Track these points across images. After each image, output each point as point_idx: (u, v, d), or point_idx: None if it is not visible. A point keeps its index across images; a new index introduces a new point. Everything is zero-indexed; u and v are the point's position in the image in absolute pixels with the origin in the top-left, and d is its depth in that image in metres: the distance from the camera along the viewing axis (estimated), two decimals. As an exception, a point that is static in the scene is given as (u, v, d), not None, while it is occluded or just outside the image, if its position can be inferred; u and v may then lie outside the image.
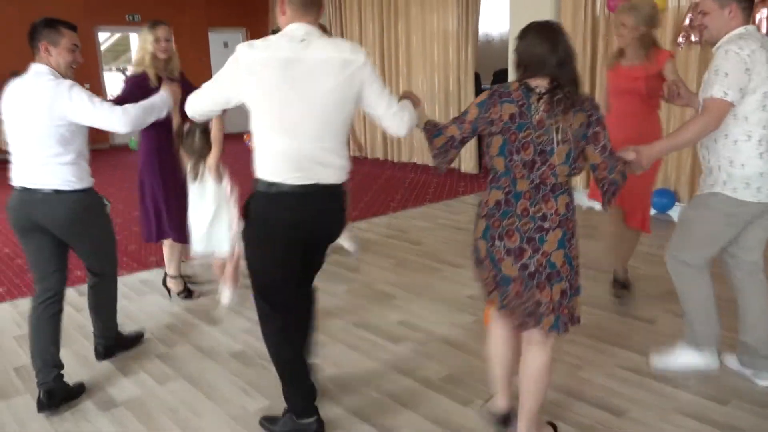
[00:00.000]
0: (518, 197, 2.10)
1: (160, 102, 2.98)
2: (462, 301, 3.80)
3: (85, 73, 3.42)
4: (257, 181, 2.23)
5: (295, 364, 2.43)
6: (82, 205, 2.81)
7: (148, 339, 3.41)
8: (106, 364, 3.13)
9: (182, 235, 3.64)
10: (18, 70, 2.91)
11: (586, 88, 6.23)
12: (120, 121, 2.76)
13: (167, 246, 3.87)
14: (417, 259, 4.62)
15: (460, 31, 7.64)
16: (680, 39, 5.45)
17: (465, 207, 6.26)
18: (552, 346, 2.21)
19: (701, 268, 2.73)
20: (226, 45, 13.25)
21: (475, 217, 2.24)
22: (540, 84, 2.06)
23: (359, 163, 8.53)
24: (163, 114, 3.02)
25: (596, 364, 2.97)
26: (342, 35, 9.30)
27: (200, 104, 2.35)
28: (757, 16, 4.98)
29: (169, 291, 4.00)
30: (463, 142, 2.25)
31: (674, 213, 5.65)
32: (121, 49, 15.02)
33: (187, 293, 3.99)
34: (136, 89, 3.37)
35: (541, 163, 2.06)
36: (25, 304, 3.96)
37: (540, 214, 2.08)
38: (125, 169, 8.93)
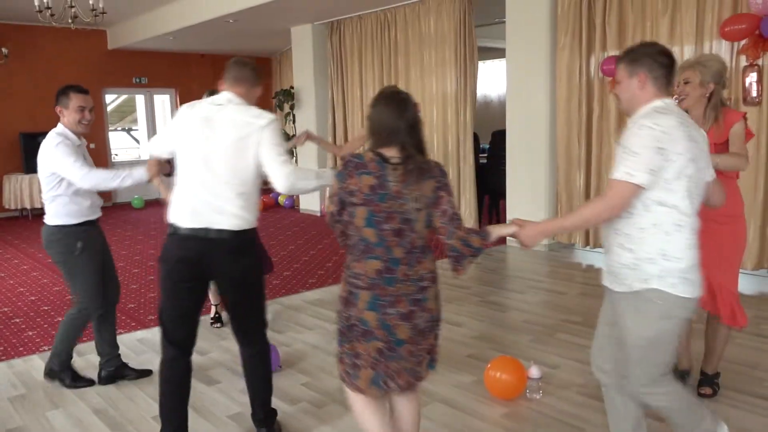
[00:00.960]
0: (397, 263, 2.17)
1: (130, 176, 3.26)
2: (462, 360, 3.77)
3: (90, 132, 3.55)
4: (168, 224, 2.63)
5: (173, 401, 2.68)
6: (53, 238, 3.35)
7: (143, 399, 3.37)
8: (101, 426, 3.08)
9: None
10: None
11: (581, 151, 6.35)
12: (80, 178, 3.22)
13: None
14: (417, 318, 4.60)
15: (459, 93, 7.84)
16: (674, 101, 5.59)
17: (465, 265, 6.25)
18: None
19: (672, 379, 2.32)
20: (230, 106, 13.54)
21: (346, 292, 2.24)
22: (393, 154, 2.16)
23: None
24: (126, 184, 3.27)
25: (597, 425, 2.92)
26: (343, 97, 9.53)
27: (153, 146, 2.89)
28: (747, 80, 5.12)
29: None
30: (342, 215, 2.25)
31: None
32: (126, 109, 15.36)
33: (216, 320, 4.51)
34: None
35: (408, 230, 2.16)
36: (21, 364, 3.93)
37: (418, 276, 2.20)
38: (126, 227, 8.98)
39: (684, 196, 2.09)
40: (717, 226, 2.87)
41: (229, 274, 2.64)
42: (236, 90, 2.68)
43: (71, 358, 3.55)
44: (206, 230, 2.53)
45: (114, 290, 3.58)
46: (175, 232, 2.58)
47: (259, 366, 2.86)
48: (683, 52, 5.53)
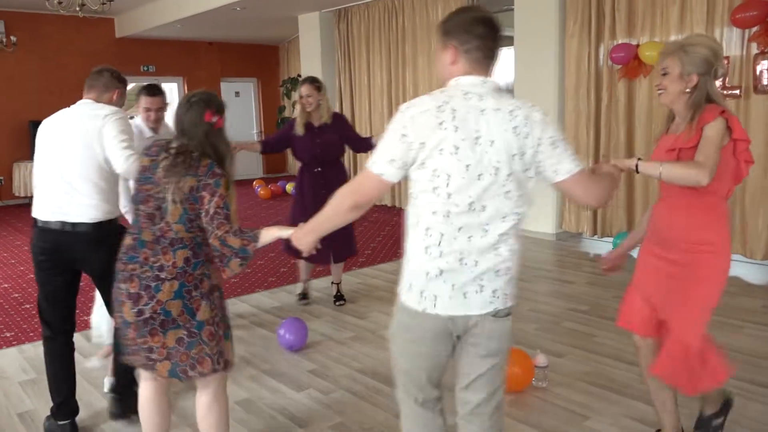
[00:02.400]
0: (143, 245, 2.23)
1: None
2: (468, 348, 3.77)
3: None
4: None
5: (55, 374, 2.91)
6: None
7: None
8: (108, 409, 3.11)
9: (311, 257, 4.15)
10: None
11: (589, 139, 6.31)
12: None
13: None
14: (423, 306, 4.61)
15: (466, 82, 7.79)
16: (683, 89, 5.54)
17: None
18: (214, 389, 2.35)
19: (421, 407, 2.01)
20: (237, 94, 13.56)
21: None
22: (176, 145, 2.25)
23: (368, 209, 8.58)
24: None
25: (603, 413, 2.93)
26: (350, 85, 9.51)
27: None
28: (758, 68, 5.07)
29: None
30: None
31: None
32: (134, 97, 15.41)
33: (303, 297, 4.78)
34: (284, 129, 4.56)
35: (159, 218, 2.21)
36: (31, 349, 3.97)
37: (158, 264, 2.20)
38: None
39: (424, 189, 1.76)
40: (681, 256, 2.28)
41: (90, 264, 2.79)
42: (89, 96, 2.91)
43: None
44: (62, 223, 2.71)
45: None
46: (35, 225, 2.80)
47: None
48: (694, 40, 5.47)
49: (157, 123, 3.71)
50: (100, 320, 3.47)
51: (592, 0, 6.12)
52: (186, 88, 12.62)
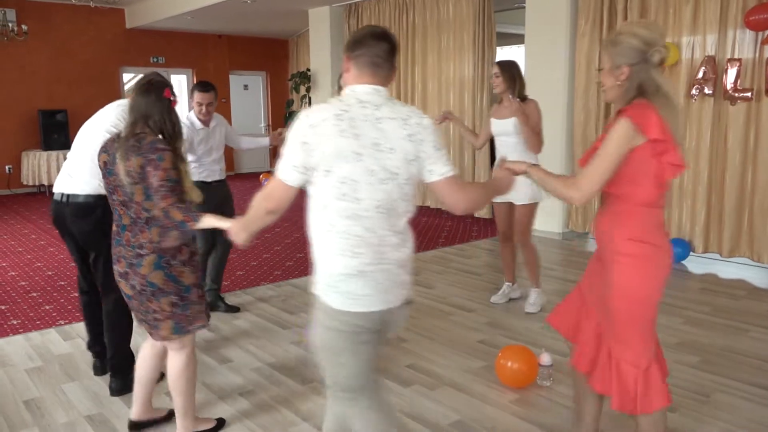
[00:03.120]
0: (124, 229, 2.50)
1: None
2: (473, 346, 3.78)
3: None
4: None
5: (88, 323, 3.41)
6: None
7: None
8: (115, 400, 3.13)
9: None
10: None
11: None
12: None
13: None
14: (428, 303, 4.62)
15: (476, 79, 7.78)
16: (694, 91, 5.52)
17: (478, 251, 6.26)
18: (189, 351, 2.59)
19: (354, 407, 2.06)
20: (246, 87, 13.57)
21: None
22: (126, 132, 2.46)
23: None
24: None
25: (608, 414, 2.91)
26: (360, 80, 9.49)
27: None
28: (770, 70, 5.04)
29: None
30: None
31: (689, 263, 5.62)
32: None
33: None
34: None
35: (130, 201, 2.44)
36: (38, 337, 4.00)
37: (138, 243, 2.45)
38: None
39: (336, 196, 1.84)
40: (605, 263, 2.15)
41: (76, 233, 3.16)
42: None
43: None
44: (60, 194, 3.13)
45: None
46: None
47: (116, 319, 3.19)
48: (706, 41, 5.44)
49: (207, 116, 4.10)
50: None
51: (605, -1, 6.09)
52: (195, 80, 12.63)
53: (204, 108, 4.04)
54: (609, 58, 2.09)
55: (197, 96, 4.02)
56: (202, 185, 3.96)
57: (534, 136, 4.10)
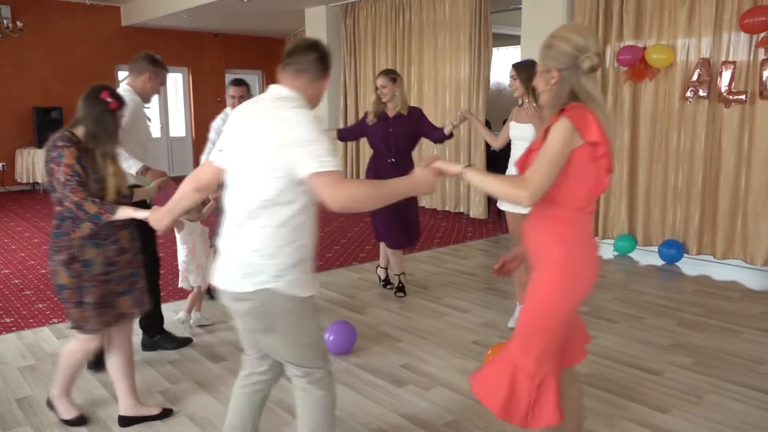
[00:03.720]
0: (63, 220, 2.63)
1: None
2: (467, 346, 3.78)
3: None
4: None
5: None
6: None
7: (151, 374, 3.41)
8: (108, 398, 3.12)
9: (389, 242, 4.74)
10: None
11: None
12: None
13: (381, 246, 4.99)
14: (423, 303, 4.62)
15: (472, 80, 7.79)
16: (688, 94, 5.54)
17: (473, 252, 6.27)
18: (85, 339, 2.73)
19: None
20: (242, 86, 13.52)
21: (73, 247, 2.61)
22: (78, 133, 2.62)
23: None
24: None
25: (602, 415, 2.93)
26: (355, 81, 9.50)
27: None
28: (764, 74, 5.06)
29: (379, 278, 5.06)
30: None
31: (683, 265, 5.64)
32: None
33: (385, 284, 4.98)
34: (359, 120, 4.96)
35: (52, 196, 2.62)
36: (31, 335, 3.98)
37: (116, 237, 2.66)
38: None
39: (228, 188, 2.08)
40: (532, 267, 2.09)
41: None
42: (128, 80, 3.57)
43: None
44: None
45: None
46: None
47: None
48: (701, 43, 5.47)
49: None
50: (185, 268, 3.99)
51: (600, 1, 6.10)
52: (191, 78, 12.61)
53: (236, 101, 4.36)
54: (541, 61, 2.06)
55: (231, 90, 4.43)
56: None
57: (491, 140, 4.06)
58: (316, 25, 9.84)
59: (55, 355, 3.63)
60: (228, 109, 4.53)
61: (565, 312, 1.98)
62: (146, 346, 3.73)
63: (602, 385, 3.24)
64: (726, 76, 5.28)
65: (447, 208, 8.39)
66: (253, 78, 13.62)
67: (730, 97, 5.28)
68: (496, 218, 7.74)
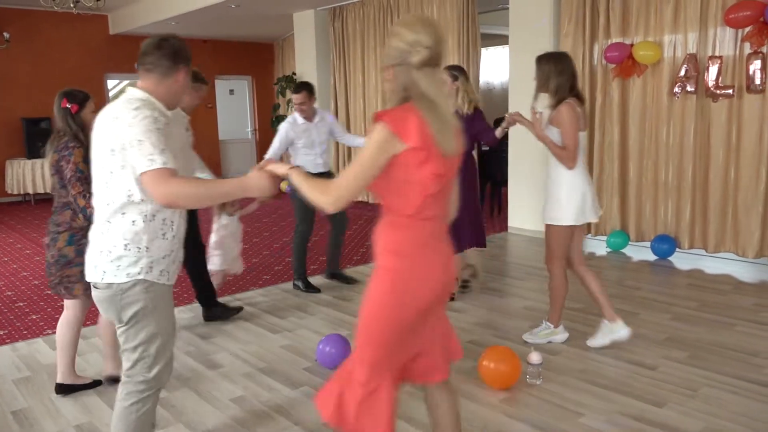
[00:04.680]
0: (55, 211, 3.16)
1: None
2: (462, 346, 3.77)
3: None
4: None
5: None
6: None
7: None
8: (103, 407, 3.11)
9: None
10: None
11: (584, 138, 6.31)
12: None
13: None
14: (418, 304, 4.62)
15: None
16: (676, 89, 5.57)
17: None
18: (74, 310, 3.21)
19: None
20: (232, 92, 13.53)
21: (73, 229, 3.10)
22: (54, 137, 3.15)
23: (362, 208, 8.59)
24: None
25: (596, 410, 2.95)
26: (345, 84, 9.50)
27: None
28: (750, 68, 5.10)
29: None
30: None
31: (675, 259, 5.67)
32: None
33: (464, 286, 4.88)
34: None
35: (53, 188, 3.15)
36: (25, 347, 3.96)
37: (57, 223, 3.12)
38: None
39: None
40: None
41: None
42: None
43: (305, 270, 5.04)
44: None
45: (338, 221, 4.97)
46: None
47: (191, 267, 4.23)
48: (687, 39, 5.50)
49: (304, 113, 4.74)
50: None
51: (587, -1, 6.14)
52: (180, 85, 12.57)
53: (297, 106, 4.71)
54: (382, 58, 1.99)
55: (294, 98, 4.72)
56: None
57: (555, 148, 3.49)
58: (305, 29, 9.84)
59: (49, 366, 3.62)
60: (296, 115, 4.79)
61: (397, 323, 1.90)
62: (207, 318, 4.33)
63: (597, 380, 3.25)
64: (713, 70, 5.32)
65: (440, 209, 8.38)
66: (243, 84, 13.61)
67: (718, 91, 5.32)
68: (488, 217, 7.74)
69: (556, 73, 3.47)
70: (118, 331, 2.18)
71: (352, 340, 3.70)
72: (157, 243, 2.13)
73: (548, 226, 3.59)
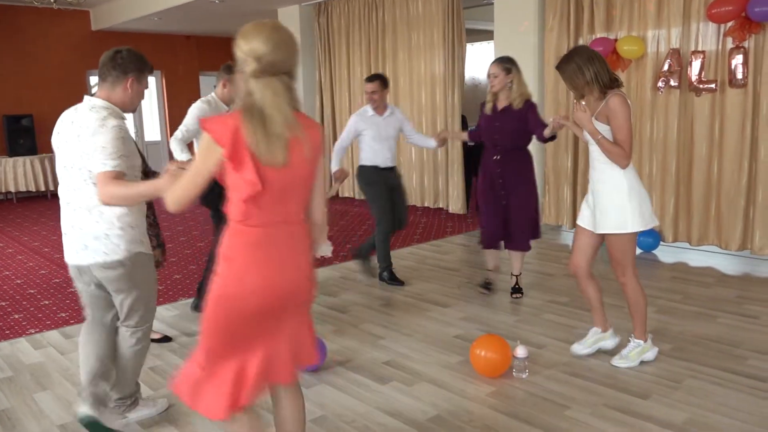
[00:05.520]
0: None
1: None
2: (449, 341, 3.79)
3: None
4: None
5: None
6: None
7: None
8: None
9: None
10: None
11: (569, 133, 6.34)
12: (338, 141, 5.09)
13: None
14: (405, 299, 4.63)
15: (447, 75, 7.81)
16: (660, 84, 5.61)
17: (453, 247, 6.29)
18: None
19: None
20: (215, 88, 13.42)
21: None
22: None
23: (348, 203, 8.58)
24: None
25: (582, 403, 2.96)
26: (330, 79, 9.47)
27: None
28: (732, 62, 5.15)
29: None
30: None
31: (659, 252, 5.72)
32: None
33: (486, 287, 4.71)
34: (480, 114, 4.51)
35: None
36: (7, 347, 3.92)
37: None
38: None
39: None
40: None
41: None
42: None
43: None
44: None
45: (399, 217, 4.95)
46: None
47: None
48: (670, 34, 5.54)
49: (375, 103, 4.75)
50: None
51: (571, -6, 6.16)
52: (164, 82, 12.48)
53: (369, 95, 4.70)
54: None
55: (365, 86, 4.73)
56: (373, 170, 4.83)
57: (609, 145, 3.16)
58: (290, 25, 9.78)
59: (32, 366, 3.58)
60: (367, 107, 4.80)
61: (223, 324, 1.93)
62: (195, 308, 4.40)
63: (584, 374, 3.27)
64: (696, 65, 5.36)
65: (426, 204, 8.41)
66: (227, 80, 13.52)
67: (701, 86, 5.36)
68: (474, 213, 7.77)
69: (584, 63, 3.13)
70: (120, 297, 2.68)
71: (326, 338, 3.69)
72: (126, 219, 2.61)
73: (613, 237, 3.22)
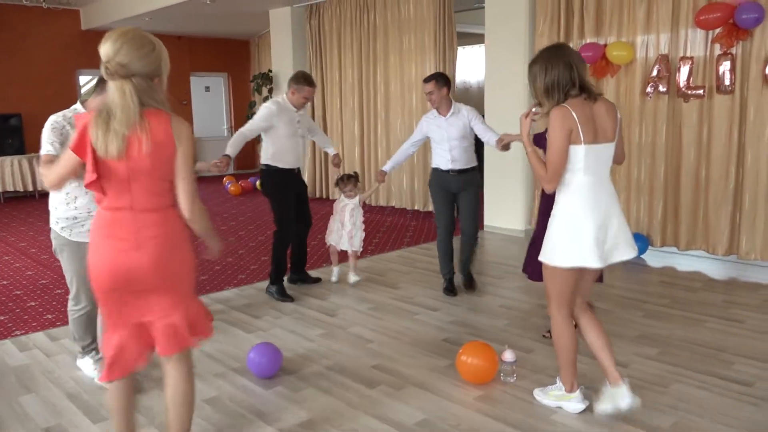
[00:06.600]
0: None
1: None
2: (438, 345, 3.80)
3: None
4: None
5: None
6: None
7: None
8: (75, 411, 3.06)
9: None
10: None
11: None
12: None
13: None
14: (394, 303, 4.63)
15: (437, 79, 7.81)
16: (649, 89, 5.65)
17: (442, 251, 6.29)
18: None
19: None
20: (207, 89, 13.40)
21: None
22: None
23: (323, 203, 8.55)
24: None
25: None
26: (321, 81, 9.47)
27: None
28: (720, 69, 5.19)
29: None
30: None
31: (648, 257, 5.76)
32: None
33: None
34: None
35: None
36: (-7, 348, 3.88)
37: None
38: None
39: None
40: None
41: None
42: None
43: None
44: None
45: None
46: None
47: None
48: (659, 40, 5.58)
49: (434, 104, 4.62)
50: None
51: (562, -1, 6.19)
52: (154, 82, 12.41)
53: (427, 97, 4.63)
54: None
55: (424, 86, 4.63)
56: (433, 172, 4.77)
57: (536, 163, 2.73)
58: (281, 27, 9.78)
59: (18, 368, 3.55)
60: (434, 111, 4.69)
61: (96, 290, 2.25)
62: (291, 280, 5.00)
63: (571, 378, 3.27)
64: (684, 71, 5.40)
65: (416, 207, 8.42)
66: (218, 81, 13.50)
67: (689, 92, 5.40)
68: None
69: (543, 70, 2.69)
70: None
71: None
72: (62, 208, 3.09)
73: (543, 264, 2.82)
